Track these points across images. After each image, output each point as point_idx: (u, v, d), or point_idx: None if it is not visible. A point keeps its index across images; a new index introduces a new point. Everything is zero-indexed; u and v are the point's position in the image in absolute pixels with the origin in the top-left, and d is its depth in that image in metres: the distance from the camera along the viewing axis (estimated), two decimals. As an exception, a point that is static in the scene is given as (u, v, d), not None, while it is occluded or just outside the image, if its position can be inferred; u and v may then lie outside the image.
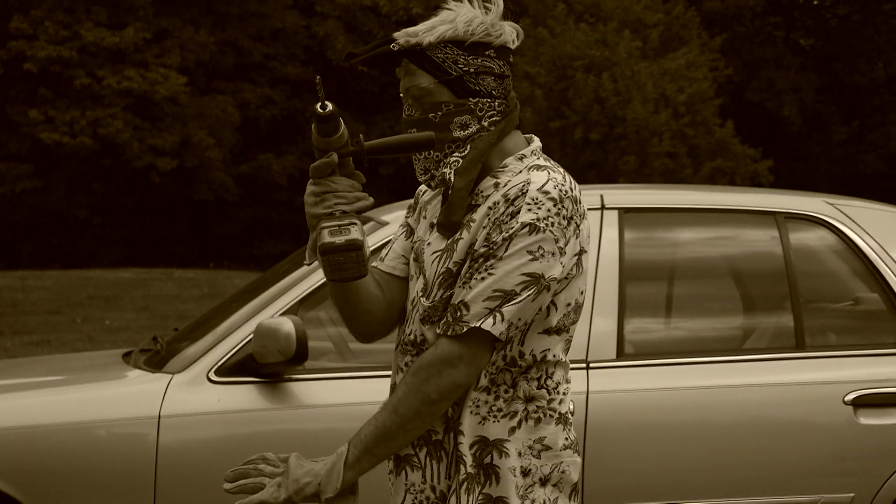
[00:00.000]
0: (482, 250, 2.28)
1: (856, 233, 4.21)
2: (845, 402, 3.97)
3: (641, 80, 26.84)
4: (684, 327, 4.43)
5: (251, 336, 3.83)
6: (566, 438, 2.35)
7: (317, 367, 4.02)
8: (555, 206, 2.27)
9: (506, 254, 2.25)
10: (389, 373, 3.81)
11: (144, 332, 13.02)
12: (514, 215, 2.26)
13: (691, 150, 27.61)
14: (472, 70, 2.35)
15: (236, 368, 3.84)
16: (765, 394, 3.96)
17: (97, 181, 29.01)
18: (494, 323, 2.24)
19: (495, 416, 2.30)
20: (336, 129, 2.22)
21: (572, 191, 2.30)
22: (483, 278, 2.25)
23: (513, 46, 2.37)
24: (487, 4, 2.35)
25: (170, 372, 3.88)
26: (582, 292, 2.34)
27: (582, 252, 2.32)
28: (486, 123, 2.36)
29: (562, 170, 2.33)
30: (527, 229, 2.25)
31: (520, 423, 2.31)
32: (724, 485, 3.93)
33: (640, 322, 4.20)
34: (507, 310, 2.24)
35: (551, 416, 2.33)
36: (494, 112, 2.37)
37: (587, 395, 3.88)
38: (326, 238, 2.20)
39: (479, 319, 2.24)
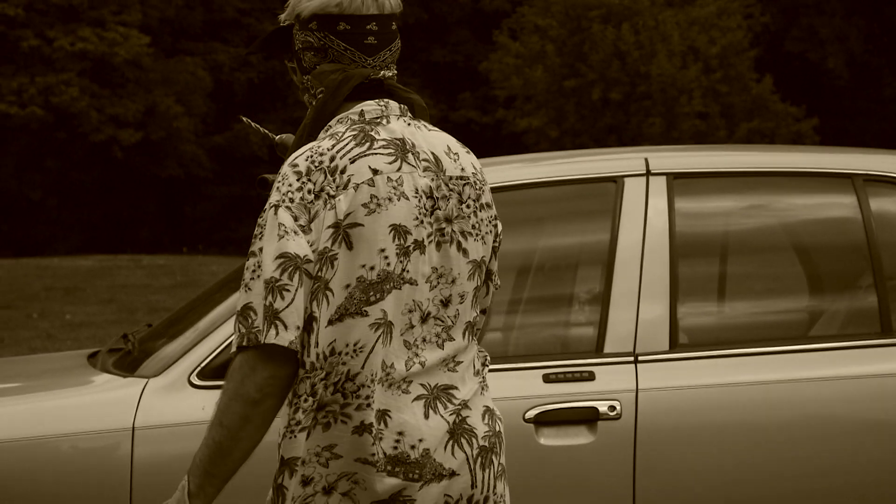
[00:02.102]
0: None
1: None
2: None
3: (667, 31, 26.87)
4: (746, 311, 4.32)
5: None
6: (372, 454, 2.43)
7: None
8: (298, 179, 2.44)
9: (258, 242, 2.44)
10: None
11: (111, 328, 12.98)
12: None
13: (725, 109, 27.66)
14: (299, 47, 2.60)
15: (222, 371, 3.69)
16: (850, 389, 3.83)
17: (51, 157, 28.96)
18: (278, 333, 2.39)
19: (292, 432, 2.46)
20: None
21: (333, 160, 2.45)
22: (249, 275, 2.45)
23: (336, 10, 2.54)
24: None
25: (144, 376, 3.80)
26: (371, 267, 2.43)
27: (353, 225, 2.42)
28: (315, 102, 2.58)
29: (350, 134, 2.48)
30: (271, 211, 2.44)
31: (308, 432, 2.45)
32: (796, 495, 3.84)
33: (695, 306, 4.10)
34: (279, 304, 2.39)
35: (344, 423, 2.43)
36: (320, 88, 2.57)
37: (636, 393, 3.79)
38: None
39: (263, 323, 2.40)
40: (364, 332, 2.44)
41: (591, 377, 3.78)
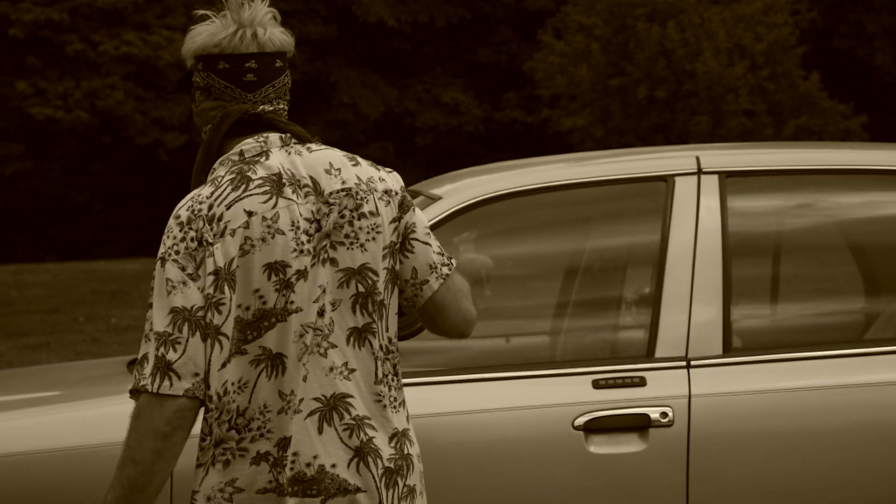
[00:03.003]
0: None
1: None
2: None
3: (713, 29, 26.71)
4: (800, 313, 4.21)
5: None
6: (271, 481, 2.54)
7: None
8: (181, 230, 2.58)
9: (152, 295, 2.56)
10: (444, 378, 3.65)
11: None
12: None
13: (772, 106, 27.50)
14: (192, 88, 2.74)
15: None
16: None
17: (97, 161, 29.06)
18: (172, 384, 2.52)
19: (197, 469, 2.61)
20: None
21: (211, 208, 2.57)
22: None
23: (216, 50, 2.67)
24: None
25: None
26: (247, 307, 2.55)
27: (233, 269, 2.54)
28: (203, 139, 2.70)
29: (229, 178, 2.59)
30: (158, 264, 2.58)
31: (207, 470, 2.58)
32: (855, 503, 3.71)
33: (748, 309, 4.00)
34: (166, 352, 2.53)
35: (242, 456, 2.56)
36: (207, 126, 2.70)
37: (689, 400, 3.69)
38: None
39: (150, 378, 2.54)
40: (245, 369, 2.56)
41: (642, 383, 3.69)
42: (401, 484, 2.64)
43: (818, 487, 3.71)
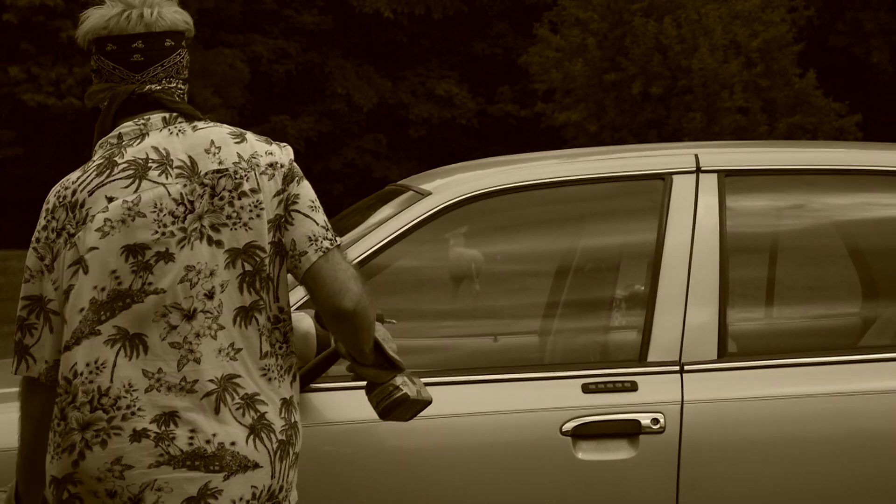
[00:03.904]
0: None
1: None
2: None
3: (709, 25, 26.70)
4: (799, 317, 4.11)
5: None
6: (161, 454, 2.58)
7: (343, 373, 3.65)
8: (45, 217, 2.67)
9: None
10: (431, 379, 3.55)
11: None
12: None
13: (767, 104, 27.52)
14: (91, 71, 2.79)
15: None
16: None
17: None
18: (28, 367, 2.69)
19: (51, 454, 2.68)
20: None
21: (74, 194, 2.63)
22: None
23: (105, 33, 2.70)
24: None
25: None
26: (102, 288, 2.60)
27: (90, 250, 2.60)
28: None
29: (97, 163, 2.65)
30: (29, 250, 2.67)
31: (82, 453, 2.60)
32: None
33: (745, 312, 3.90)
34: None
35: (118, 435, 2.59)
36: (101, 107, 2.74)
37: (681, 406, 3.58)
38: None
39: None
40: (101, 350, 2.61)
41: (633, 387, 3.57)
42: (291, 453, 2.71)
43: (812, 497, 3.61)
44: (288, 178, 2.73)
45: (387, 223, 3.69)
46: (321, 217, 2.74)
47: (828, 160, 3.98)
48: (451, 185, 3.81)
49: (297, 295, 3.64)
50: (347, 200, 27.40)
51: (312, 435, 3.47)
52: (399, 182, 4.19)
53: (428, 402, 2.99)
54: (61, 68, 27.38)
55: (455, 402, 3.54)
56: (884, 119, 30.83)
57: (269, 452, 2.65)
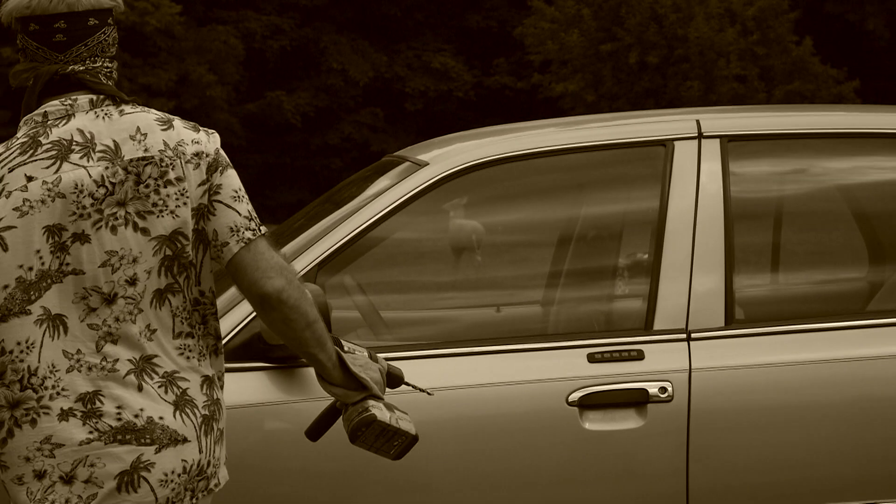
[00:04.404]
0: None
1: None
2: None
3: (704, -7, 26.57)
4: (806, 283, 4.06)
5: None
6: (90, 431, 2.59)
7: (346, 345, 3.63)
8: None
9: None
10: (433, 351, 3.49)
11: None
12: None
13: (764, 71, 27.45)
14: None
15: (241, 352, 3.50)
16: None
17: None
18: None
19: None
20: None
21: None
22: None
23: (28, 12, 2.69)
24: None
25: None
26: (30, 268, 2.61)
27: (6, 228, 2.61)
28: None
29: (20, 141, 2.64)
30: None
31: (10, 431, 2.63)
32: (861, 481, 3.59)
33: (751, 278, 3.83)
34: None
35: (48, 414, 2.60)
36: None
37: (689, 374, 3.53)
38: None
39: None
40: (31, 329, 2.62)
41: (639, 356, 3.51)
42: (215, 428, 2.73)
43: (823, 464, 3.57)
44: (212, 168, 2.71)
45: (384, 194, 3.63)
46: (244, 207, 2.73)
47: (832, 124, 3.91)
48: (448, 154, 3.75)
49: (303, 263, 3.59)
50: (345, 174, 27.31)
51: (315, 409, 3.39)
52: (396, 153, 4.12)
53: (409, 436, 2.93)
54: (55, 48, 27.27)
55: (459, 374, 3.48)
56: (881, 84, 30.74)
57: (195, 427, 2.68)
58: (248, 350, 3.48)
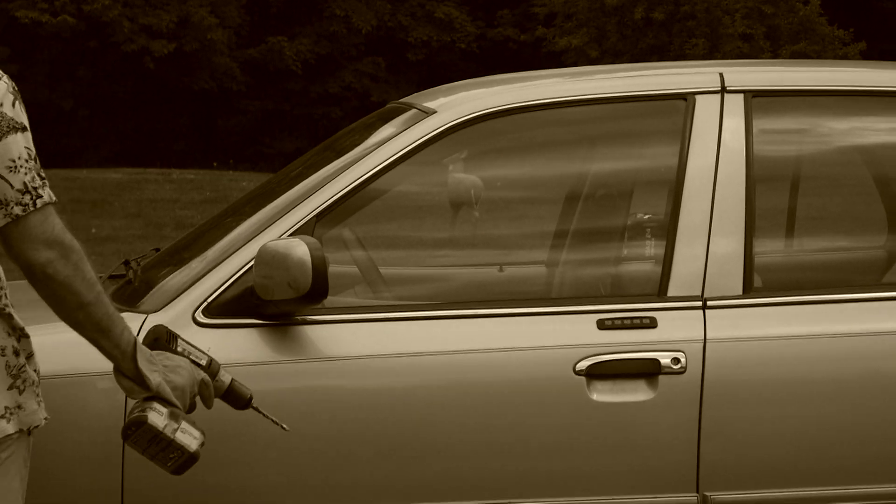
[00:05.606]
0: None
1: None
2: None
3: (713, -51, 26.42)
4: (828, 250, 3.88)
5: (251, 263, 3.31)
6: None
7: (339, 304, 3.53)
8: None
9: None
10: (435, 312, 3.33)
11: (136, 243, 12.82)
12: None
13: (770, 30, 27.30)
14: None
15: (232, 307, 3.34)
16: None
17: (83, 67, 28.69)
18: None
19: None
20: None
21: None
22: None
23: None
24: None
25: (143, 311, 3.35)
26: None
27: None
28: None
29: None
30: None
31: None
32: (882, 460, 3.42)
33: (772, 244, 3.64)
34: None
35: None
36: None
37: (704, 344, 3.35)
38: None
39: None
40: None
41: (652, 324, 3.33)
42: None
43: (842, 442, 3.40)
44: None
45: (388, 143, 3.45)
46: (19, 179, 2.56)
47: (868, 80, 3.71)
48: (457, 102, 3.57)
49: (292, 220, 3.41)
50: (345, 124, 27.09)
51: (310, 370, 3.29)
52: (401, 100, 3.92)
53: (187, 452, 2.75)
54: (55, -15, 27.07)
55: (461, 338, 3.30)
56: (887, 47, 30.52)
57: None
58: (240, 305, 3.32)
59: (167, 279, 3.48)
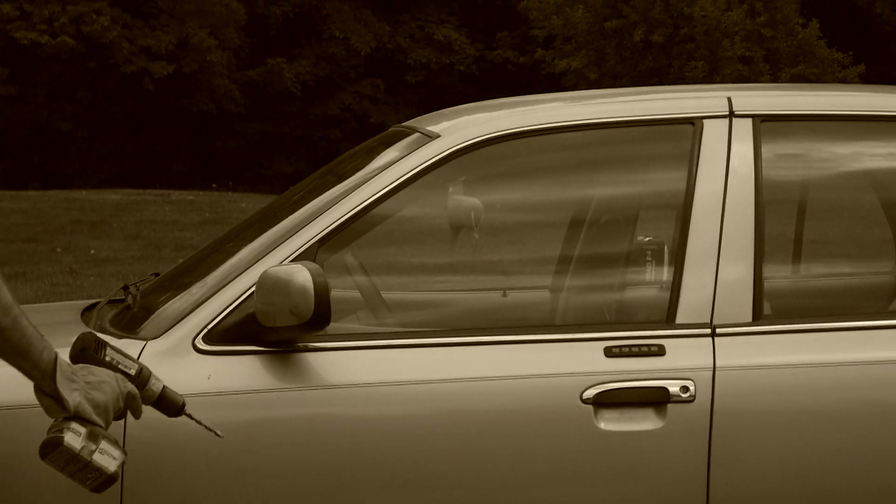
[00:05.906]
0: None
1: None
2: None
3: (712, -28, 26.46)
4: (840, 276, 3.81)
5: (253, 289, 3.26)
6: None
7: (342, 331, 3.47)
8: None
9: None
10: (439, 339, 3.28)
11: (136, 265, 12.81)
12: None
13: (769, 53, 27.31)
14: None
15: (233, 333, 3.28)
16: None
17: (82, 88, 28.69)
18: None
19: None
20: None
21: None
22: None
23: None
24: None
25: (142, 338, 3.30)
26: None
27: None
28: None
29: None
30: None
31: None
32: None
33: (782, 270, 3.58)
34: None
35: None
36: None
37: (713, 372, 3.29)
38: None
39: None
40: None
41: (660, 352, 3.27)
42: None
43: (855, 472, 3.33)
44: None
45: (391, 168, 3.40)
46: None
47: (877, 106, 3.66)
48: (461, 126, 3.52)
49: (294, 245, 3.36)
50: (344, 146, 27.08)
51: (312, 398, 3.22)
52: (404, 123, 3.88)
53: (105, 474, 2.70)
54: (54, 6, 27.07)
55: (464, 365, 3.24)
56: (886, 70, 30.55)
57: None
58: (241, 332, 3.26)
59: (167, 305, 3.43)
